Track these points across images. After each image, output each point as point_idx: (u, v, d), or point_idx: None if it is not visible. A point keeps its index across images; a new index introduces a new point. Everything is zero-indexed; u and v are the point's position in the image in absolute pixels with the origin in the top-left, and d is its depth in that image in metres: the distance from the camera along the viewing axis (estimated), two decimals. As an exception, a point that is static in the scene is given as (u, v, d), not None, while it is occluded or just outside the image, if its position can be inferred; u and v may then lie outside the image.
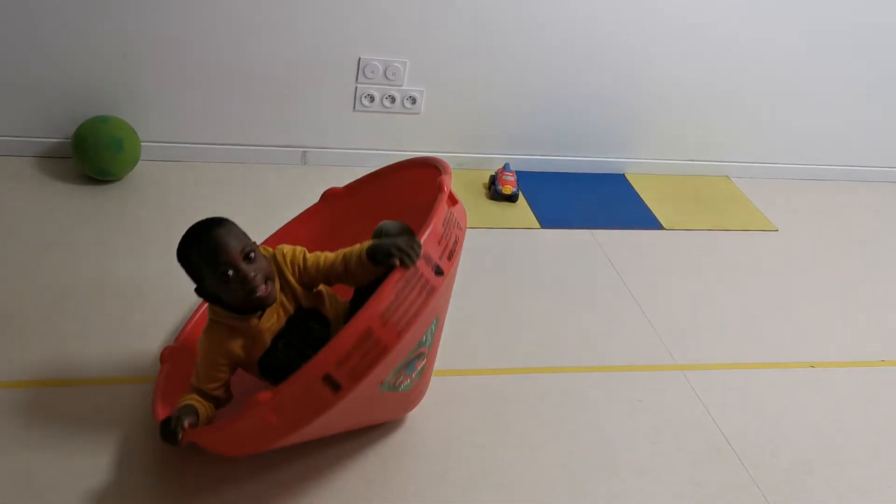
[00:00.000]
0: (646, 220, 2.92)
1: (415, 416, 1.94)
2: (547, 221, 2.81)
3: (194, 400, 1.66)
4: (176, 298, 2.19)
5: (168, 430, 1.54)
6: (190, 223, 2.45)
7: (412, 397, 1.85)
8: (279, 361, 1.68)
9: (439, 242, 1.58)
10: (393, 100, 2.83)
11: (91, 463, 1.72)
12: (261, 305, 1.66)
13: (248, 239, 1.69)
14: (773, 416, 2.12)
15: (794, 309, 2.55)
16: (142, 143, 2.65)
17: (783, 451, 2.01)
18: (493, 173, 2.95)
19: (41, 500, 1.63)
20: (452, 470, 1.83)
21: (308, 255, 1.72)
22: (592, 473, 1.88)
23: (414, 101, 2.85)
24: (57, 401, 1.85)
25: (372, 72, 2.75)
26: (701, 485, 1.89)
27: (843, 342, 2.43)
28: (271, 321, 1.68)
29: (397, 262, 1.49)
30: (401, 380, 1.66)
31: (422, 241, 1.53)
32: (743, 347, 2.35)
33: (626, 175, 3.17)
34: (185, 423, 1.55)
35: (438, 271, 1.55)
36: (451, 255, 1.60)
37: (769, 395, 2.19)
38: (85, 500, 1.64)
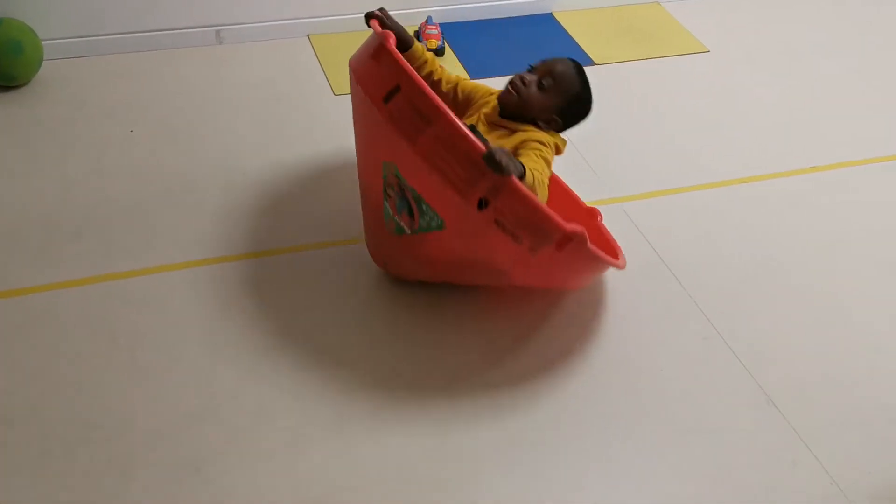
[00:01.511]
0: (576, 57, 2.83)
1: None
2: (476, 72, 2.75)
3: None
4: (106, 197, 2.15)
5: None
6: (110, 119, 2.41)
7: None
8: None
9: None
10: (302, -38, 2.70)
11: (40, 363, 1.74)
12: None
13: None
14: (708, 235, 2.17)
15: (727, 128, 2.57)
16: (43, 42, 2.52)
17: (717, 268, 2.07)
18: (417, 28, 2.86)
19: None
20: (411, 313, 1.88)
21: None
22: (542, 298, 1.94)
23: (324, -39, 2.71)
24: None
25: (273, -65, 2.61)
26: (640, 307, 1.95)
27: (775, 154, 2.47)
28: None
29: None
30: (402, 220, 1.73)
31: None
32: (679, 172, 2.37)
33: (553, 14, 3.09)
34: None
35: (482, 204, 1.56)
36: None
37: (704, 215, 2.23)
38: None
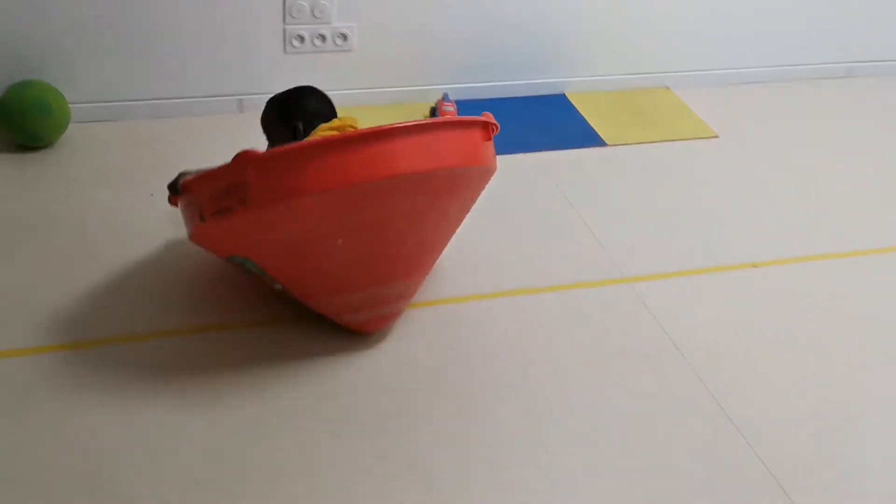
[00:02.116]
0: (588, 137, 2.93)
1: (369, 348, 1.98)
2: (490, 148, 2.81)
3: None
4: (120, 263, 2.18)
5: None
6: (131, 183, 2.46)
7: (386, 301, 1.93)
8: None
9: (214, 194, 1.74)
10: (323, 38, 2.79)
11: (42, 426, 1.74)
12: None
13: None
14: (718, 317, 2.18)
15: (736, 212, 2.61)
16: (71, 105, 2.60)
17: (728, 351, 2.08)
18: (433, 105, 2.93)
19: None
20: (409, 398, 1.88)
21: None
22: (545, 389, 1.94)
23: (345, 38, 2.80)
24: (20, 370, 1.85)
25: (298, 11, 2.70)
26: (650, 390, 1.95)
27: (783, 240, 2.50)
28: None
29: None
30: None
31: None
32: (687, 254, 2.40)
33: (566, 94, 3.17)
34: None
35: (201, 217, 1.77)
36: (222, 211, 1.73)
37: (714, 297, 2.25)
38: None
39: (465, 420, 1.84)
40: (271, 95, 2.11)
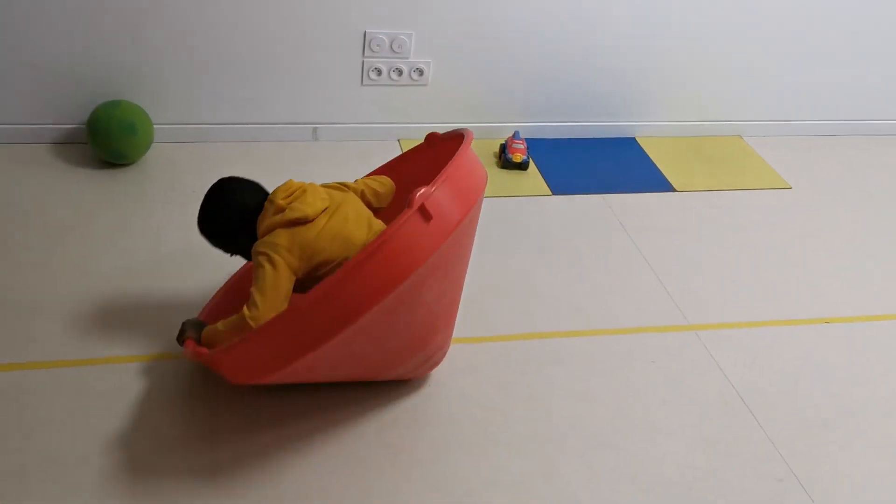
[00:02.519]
0: (657, 182, 2.92)
1: (431, 381, 1.98)
2: (558, 188, 2.82)
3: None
4: (193, 278, 2.24)
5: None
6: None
7: (427, 358, 1.90)
8: None
9: None
10: (400, 72, 2.84)
11: (117, 431, 1.78)
12: None
13: None
14: (787, 372, 2.13)
15: (809, 266, 2.56)
16: (155, 126, 2.69)
17: (797, 407, 2.03)
18: (503, 142, 2.96)
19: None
20: (468, 433, 1.88)
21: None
22: (605, 433, 1.92)
23: (421, 72, 2.85)
24: (82, 380, 1.91)
25: (378, 45, 2.76)
26: (714, 442, 1.92)
27: (857, 297, 2.44)
28: None
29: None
30: None
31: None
32: (756, 305, 2.36)
33: (636, 138, 3.16)
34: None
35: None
36: None
37: (783, 352, 2.20)
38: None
39: (521, 459, 1.83)
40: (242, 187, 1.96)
